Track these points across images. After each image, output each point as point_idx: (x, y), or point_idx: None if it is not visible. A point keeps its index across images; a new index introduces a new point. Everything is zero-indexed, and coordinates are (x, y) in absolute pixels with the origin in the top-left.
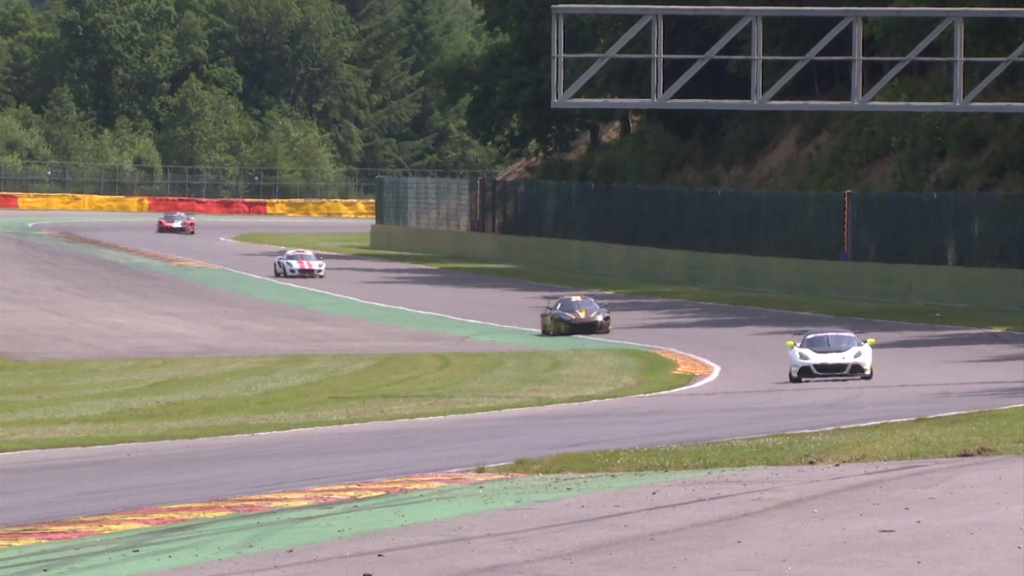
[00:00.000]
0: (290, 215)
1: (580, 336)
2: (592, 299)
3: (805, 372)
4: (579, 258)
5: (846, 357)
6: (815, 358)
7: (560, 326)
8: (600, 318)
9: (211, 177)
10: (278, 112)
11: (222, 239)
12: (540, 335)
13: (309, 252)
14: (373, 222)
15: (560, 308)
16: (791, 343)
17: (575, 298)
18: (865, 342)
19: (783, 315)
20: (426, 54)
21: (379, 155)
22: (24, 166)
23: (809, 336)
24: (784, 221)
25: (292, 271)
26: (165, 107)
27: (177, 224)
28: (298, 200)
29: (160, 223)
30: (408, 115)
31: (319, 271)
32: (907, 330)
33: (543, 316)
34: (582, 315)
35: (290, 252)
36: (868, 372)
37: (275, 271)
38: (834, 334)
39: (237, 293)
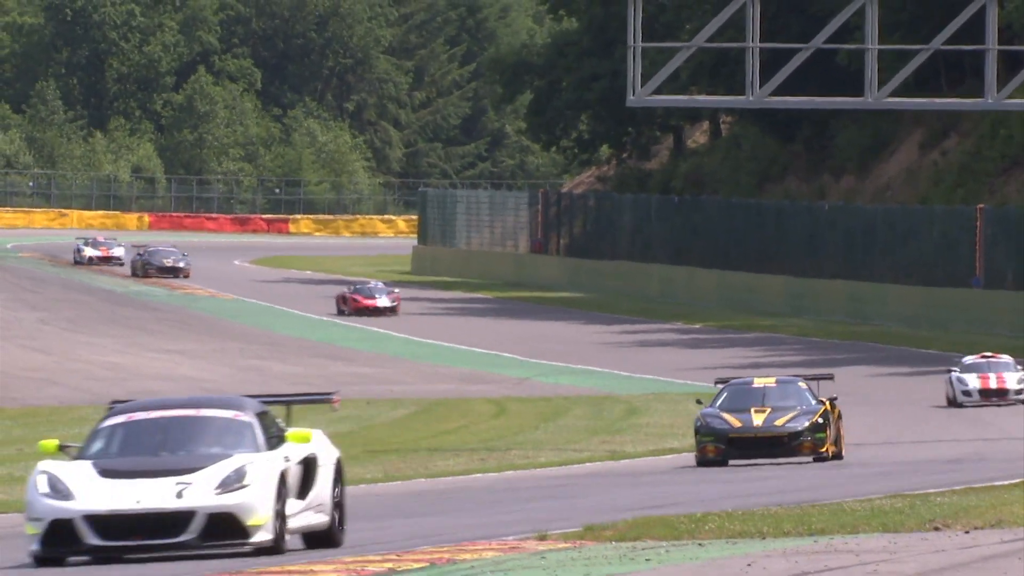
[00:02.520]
0: (317, 234)
1: (657, 377)
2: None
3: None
4: (660, 285)
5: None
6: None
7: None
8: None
9: (223, 189)
10: (303, 112)
11: (237, 263)
12: None
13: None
14: (415, 243)
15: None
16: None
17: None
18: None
19: (904, 353)
20: (479, 43)
21: (422, 163)
22: (1, 176)
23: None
24: (904, 241)
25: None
26: (169, 106)
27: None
28: (326, 217)
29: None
30: (457, 116)
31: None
32: None
33: None
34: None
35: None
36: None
37: None
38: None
39: (255, 327)
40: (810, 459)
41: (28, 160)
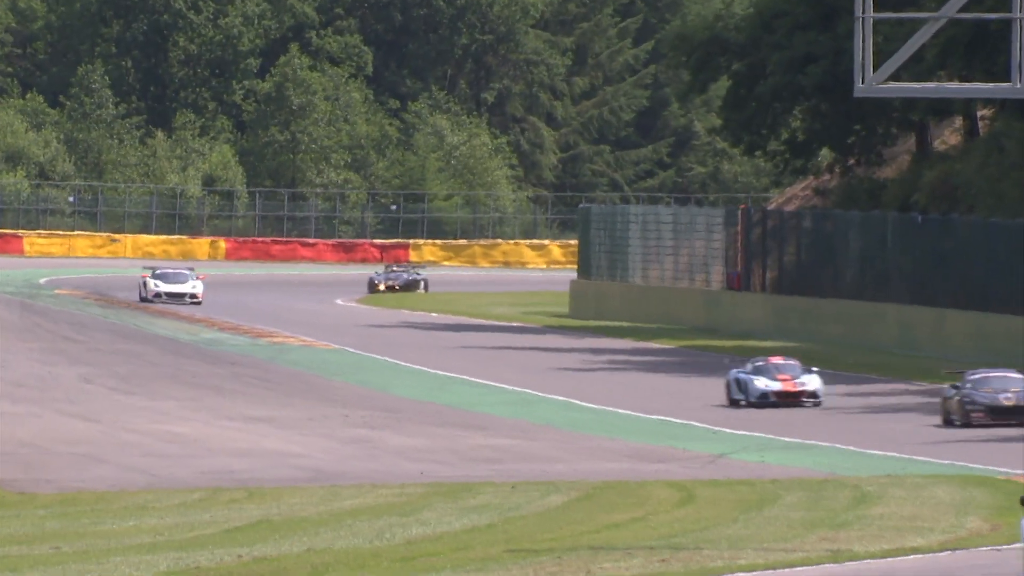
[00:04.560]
0: (445, 263)
1: (893, 454)
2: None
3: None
4: (898, 331)
5: None
6: None
7: None
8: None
9: (324, 206)
10: (427, 105)
11: (340, 302)
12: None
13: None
14: (574, 275)
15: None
16: None
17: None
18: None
19: None
20: (658, 14)
21: (584, 171)
22: (33, 189)
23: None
24: None
25: None
26: (252, 98)
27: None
28: (457, 241)
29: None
30: (630, 109)
31: None
32: None
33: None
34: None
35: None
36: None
37: None
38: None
39: (364, 386)
40: None
41: (67, 168)
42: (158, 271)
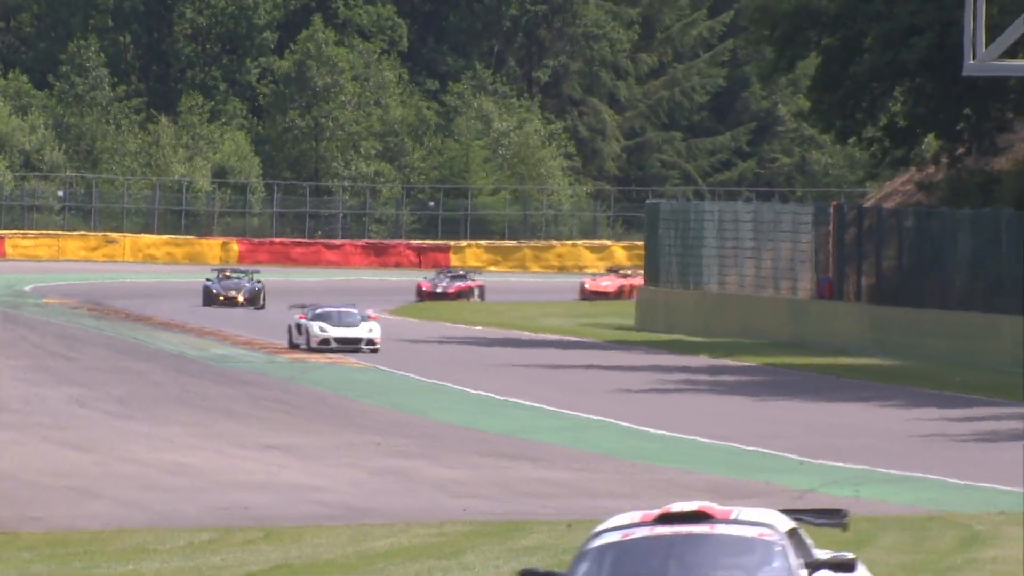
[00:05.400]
0: (491, 269)
1: (1010, 488)
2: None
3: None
4: (1013, 347)
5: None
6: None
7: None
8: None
9: (352, 202)
10: (470, 85)
11: (371, 313)
12: None
13: None
14: (639, 282)
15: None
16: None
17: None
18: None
19: None
20: None
21: (651, 162)
22: (16, 182)
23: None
24: None
25: None
26: (269, 77)
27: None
28: (505, 243)
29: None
30: (704, 91)
31: None
32: None
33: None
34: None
35: None
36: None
37: None
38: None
39: (398, 410)
40: None
41: (57, 158)
42: (317, 309)
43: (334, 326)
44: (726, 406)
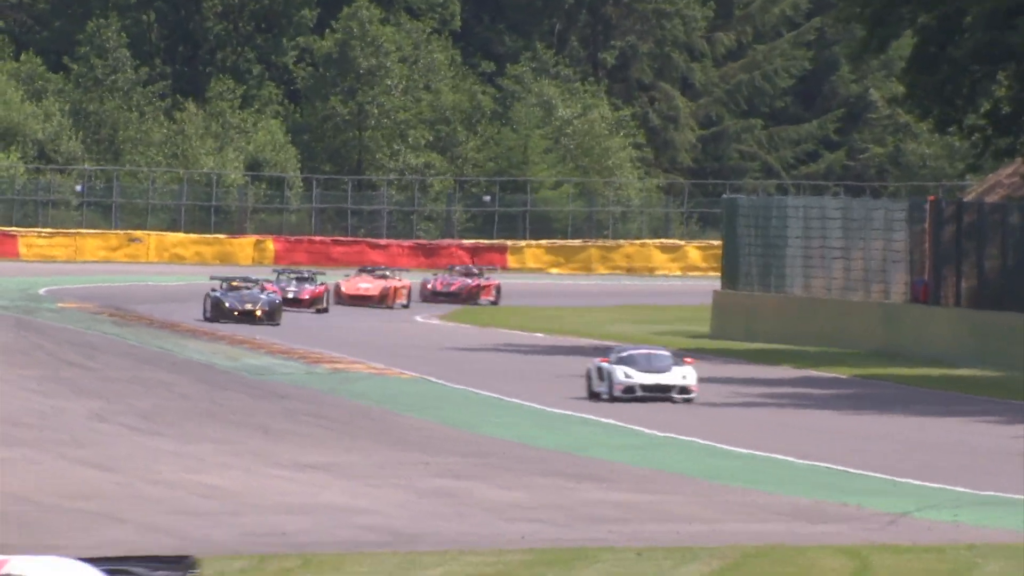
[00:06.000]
0: (553, 271)
1: None
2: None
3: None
4: None
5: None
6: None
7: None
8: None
9: (398, 197)
10: (529, 68)
11: (419, 319)
12: None
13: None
14: (717, 285)
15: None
16: None
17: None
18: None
19: None
20: None
21: (729, 152)
22: (30, 175)
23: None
24: None
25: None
26: (307, 60)
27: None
28: (568, 242)
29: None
30: (788, 74)
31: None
32: None
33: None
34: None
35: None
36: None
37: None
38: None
39: (450, 425)
40: None
41: (74, 149)
42: (623, 353)
43: (641, 371)
44: (811, 421)
